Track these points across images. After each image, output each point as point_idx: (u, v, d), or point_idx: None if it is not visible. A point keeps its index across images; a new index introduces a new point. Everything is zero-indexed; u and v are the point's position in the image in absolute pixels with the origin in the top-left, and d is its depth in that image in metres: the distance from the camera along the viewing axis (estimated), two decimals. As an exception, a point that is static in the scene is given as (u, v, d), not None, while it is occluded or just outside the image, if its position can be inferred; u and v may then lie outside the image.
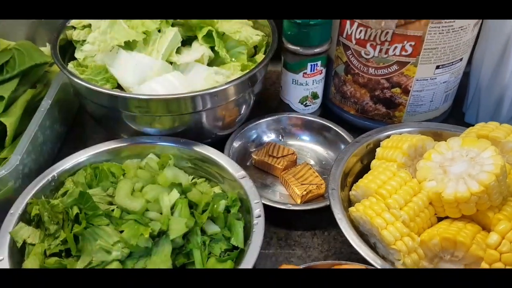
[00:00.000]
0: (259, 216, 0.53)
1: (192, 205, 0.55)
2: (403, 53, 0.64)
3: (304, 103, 0.75)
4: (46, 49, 0.78)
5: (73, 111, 0.79)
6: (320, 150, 0.73)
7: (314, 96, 0.74)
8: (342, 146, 0.70)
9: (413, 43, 0.63)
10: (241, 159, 0.70)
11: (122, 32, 0.65)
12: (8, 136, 0.62)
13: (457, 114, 0.79)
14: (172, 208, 0.53)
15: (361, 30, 0.65)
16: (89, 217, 0.49)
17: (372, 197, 0.54)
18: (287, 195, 0.67)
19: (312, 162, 0.71)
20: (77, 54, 0.68)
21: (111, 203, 0.52)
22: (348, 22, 0.66)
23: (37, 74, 0.72)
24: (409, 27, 0.62)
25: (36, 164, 0.63)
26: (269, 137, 0.74)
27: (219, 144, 0.68)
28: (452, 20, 0.61)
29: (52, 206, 0.50)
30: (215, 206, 0.54)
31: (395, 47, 0.64)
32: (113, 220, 0.50)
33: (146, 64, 0.64)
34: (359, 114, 0.74)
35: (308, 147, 0.74)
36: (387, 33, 0.63)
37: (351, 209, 0.55)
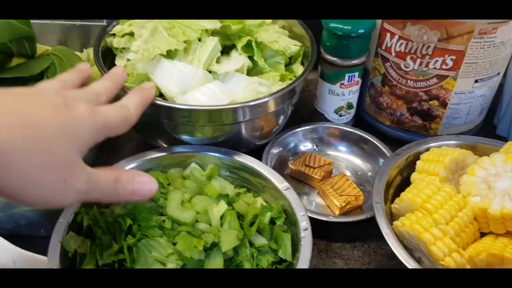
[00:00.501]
0: (306, 229, 0.53)
1: (238, 216, 0.55)
2: (444, 66, 0.65)
3: (339, 113, 0.75)
4: (82, 55, 0.78)
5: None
6: (355, 160, 0.73)
7: (349, 106, 0.75)
8: (379, 158, 0.70)
9: (454, 57, 0.64)
10: (278, 167, 0.71)
11: (163, 41, 0.65)
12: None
13: (488, 126, 0.80)
14: (221, 219, 0.53)
15: (401, 43, 0.66)
16: (142, 228, 0.49)
17: (418, 212, 0.55)
18: (324, 205, 0.67)
19: (348, 173, 0.72)
20: (118, 62, 0.69)
21: (161, 214, 0.53)
22: (388, 34, 0.67)
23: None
24: (451, 41, 0.62)
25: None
26: (305, 146, 0.75)
27: (255, 152, 0.68)
28: (494, 35, 0.62)
29: (104, 217, 0.51)
30: (262, 218, 0.54)
31: (436, 61, 0.65)
32: (166, 231, 0.50)
33: (188, 73, 0.64)
34: (394, 125, 0.74)
35: (344, 157, 0.74)
36: (428, 47, 0.64)
37: (396, 223, 0.55)
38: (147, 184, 0.45)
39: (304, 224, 0.54)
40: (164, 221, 0.51)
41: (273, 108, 0.64)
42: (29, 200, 0.36)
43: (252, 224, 0.54)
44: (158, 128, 0.65)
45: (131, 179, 0.44)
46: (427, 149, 0.64)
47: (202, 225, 0.52)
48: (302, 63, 0.72)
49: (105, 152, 0.75)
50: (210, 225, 0.52)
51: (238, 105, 0.60)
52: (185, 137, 0.65)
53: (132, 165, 0.61)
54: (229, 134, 0.64)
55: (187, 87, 0.64)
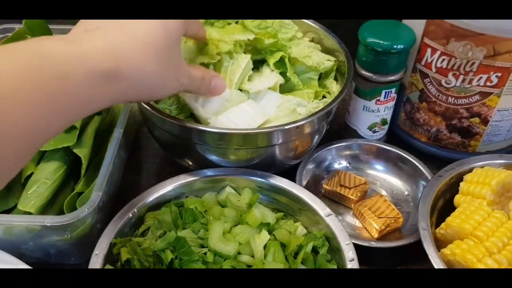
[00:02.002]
0: (352, 260, 0.51)
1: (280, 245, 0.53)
2: (488, 83, 0.62)
3: (372, 129, 0.73)
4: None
5: (133, 134, 0.77)
6: (391, 179, 0.71)
7: (384, 122, 0.72)
8: (416, 177, 0.68)
9: (499, 74, 0.61)
10: (312, 187, 0.68)
11: (193, 54, 0.63)
12: (83, 168, 0.60)
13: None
14: (263, 248, 0.51)
15: (443, 59, 0.63)
16: (184, 262, 0.47)
17: (468, 240, 0.52)
18: (361, 227, 0.65)
19: (383, 192, 0.69)
20: None
21: (202, 246, 0.50)
22: (429, 49, 0.64)
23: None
24: (497, 58, 0.60)
25: (107, 195, 0.61)
26: (339, 164, 0.72)
27: (288, 171, 0.66)
28: (542, 51, 0.59)
29: (143, 249, 0.48)
30: (305, 247, 0.52)
31: (480, 78, 0.62)
32: (208, 265, 0.48)
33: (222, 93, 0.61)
34: (430, 142, 0.72)
35: (378, 175, 0.72)
36: (473, 63, 0.61)
37: (445, 251, 0.52)
38: (220, 83, 0.57)
39: (350, 254, 0.51)
40: (205, 253, 0.49)
41: (309, 129, 0.61)
42: (153, 98, 0.48)
43: (296, 254, 0.51)
44: (188, 149, 0.63)
45: (211, 79, 0.56)
46: (470, 170, 0.62)
47: (245, 258, 0.50)
48: (335, 78, 0.69)
49: (131, 172, 0.73)
50: (253, 256, 0.50)
51: (274, 129, 0.58)
52: (216, 159, 0.62)
53: (168, 190, 0.58)
54: (263, 156, 0.62)
55: (220, 108, 0.61)
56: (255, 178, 0.60)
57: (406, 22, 0.67)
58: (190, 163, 0.66)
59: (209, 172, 0.61)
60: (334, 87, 0.67)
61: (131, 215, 0.54)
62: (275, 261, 0.49)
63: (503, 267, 0.49)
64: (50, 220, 0.52)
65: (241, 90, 0.64)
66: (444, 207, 0.60)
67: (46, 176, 0.59)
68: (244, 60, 0.63)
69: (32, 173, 0.60)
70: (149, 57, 0.42)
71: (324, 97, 0.67)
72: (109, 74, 0.39)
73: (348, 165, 0.73)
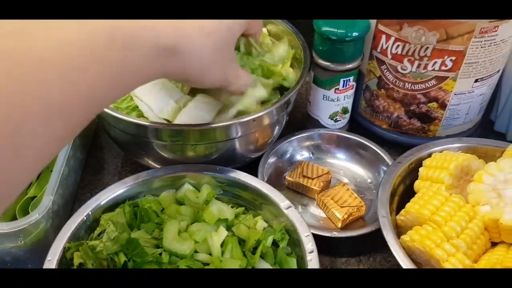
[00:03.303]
0: (312, 252, 0.50)
1: (239, 241, 0.52)
2: (443, 68, 0.62)
3: (334, 118, 0.72)
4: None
5: (91, 135, 0.75)
6: (354, 167, 0.71)
7: (345, 111, 0.72)
8: (378, 164, 0.68)
9: (454, 58, 0.61)
10: (275, 179, 0.68)
11: None
12: (34, 171, 0.58)
13: (485, 122, 0.78)
14: (221, 246, 0.50)
15: (398, 45, 0.63)
16: (138, 265, 0.46)
17: (427, 225, 0.52)
18: (325, 217, 0.64)
19: (346, 180, 0.69)
20: None
21: (157, 246, 0.49)
22: (383, 36, 0.64)
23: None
24: (451, 42, 0.59)
25: (62, 199, 0.59)
26: (302, 155, 0.72)
27: (250, 165, 0.66)
28: (495, 33, 0.59)
29: (96, 253, 0.47)
30: (264, 242, 0.51)
31: (435, 62, 0.62)
32: (163, 266, 0.47)
33: (171, 95, 0.60)
34: (391, 128, 0.72)
35: (341, 164, 0.71)
36: (427, 48, 0.61)
37: (405, 238, 0.52)
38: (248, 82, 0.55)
39: (309, 246, 0.51)
40: (160, 254, 0.48)
41: (268, 121, 0.61)
42: (197, 83, 0.48)
43: (254, 249, 0.51)
44: (145, 148, 0.61)
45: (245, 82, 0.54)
46: (429, 154, 0.62)
47: (202, 256, 0.49)
48: (291, 66, 0.68)
49: (90, 173, 0.71)
50: (211, 254, 0.49)
51: (231, 122, 0.57)
52: (175, 156, 0.61)
53: (123, 189, 0.57)
54: (223, 150, 0.61)
55: (165, 108, 0.60)
56: (214, 174, 0.59)
57: (360, 9, 0.67)
58: (150, 162, 0.65)
59: (166, 170, 0.60)
60: (290, 74, 0.66)
61: (85, 217, 0.53)
62: (232, 258, 0.49)
63: (461, 251, 0.50)
64: (0, 226, 0.50)
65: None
66: (404, 193, 0.60)
67: None
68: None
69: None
70: (208, 43, 0.43)
71: (281, 86, 0.65)
72: (170, 49, 0.40)
73: (311, 155, 0.72)
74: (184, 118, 0.57)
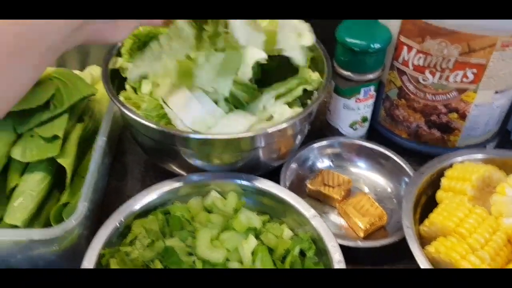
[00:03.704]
0: (340, 261, 0.52)
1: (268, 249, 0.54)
2: (464, 80, 0.63)
3: (353, 127, 0.74)
4: (84, 75, 0.75)
5: (116, 140, 0.77)
6: (374, 176, 0.72)
7: (364, 120, 0.73)
8: (399, 173, 0.69)
9: (475, 71, 0.62)
10: (297, 187, 0.69)
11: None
12: (67, 178, 0.60)
13: (502, 132, 0.79)
14: (251, 254, 0.52)
15: (420, 57, 0.64)
16: (173, 272, 0.47)
17: (451, 237, 0.53)
18: (347, 227, 0.66)
19: (366, 189, 0.70)
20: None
21: (190, 254, 0.51)
22: (405, 47, 0.65)
23: (82, 106, 0.70)
24: (472, 55, 0.61)
25: (93, 204, 0.61)
26: (322, 163, 0.73)
27: (272, 173, 0.67)
28: (516, 47, 0.60)
29: (132, 260, 0.49)
30: (293, 251, 0.53)
31: (456, 74, 0.63)
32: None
33: (209, 110, 0.62)
34: (411, 138, 0.73)
35: (362, 173, 0.73)
36: (449, 60, 0.62)
37: (430, 249, 0.54)
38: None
39: (337, 256, 0.52)
40: (194, 261, 0.49)
41: (291, 131, 0.62)
42: None
43: (283, 258, 0.52)
44: (171, 154, 0.63)
45: None
46: (451, 165, 0.63)
47: (234, 264, 0.50)
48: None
49: (115, 178, 0.73)
50: (242, 262, 0.51)
51: (256, 133, 0.58)
52: (200, 163, 0.63)
53: (154, 197, 0.59)
54: (247, 159, 0.62)
55: (207, 123, 0.61)
56: (240, 181, 0.61)
57: (381, 21, 0.68)
58: (174, 167, 0.67)
59: (194, 177, 0.61)
60: (313, 76, 0.67)
61: (118, 224, 0.55)
62: (263, 267, 0.50)
63: (486, 263, 0.51)
64: (37, 234, 0.52)
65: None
66: (427, 204, 0.62)
67: (31, 188, 0.59)
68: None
69: (16, 185, 0.59)
70: None
71: (305, 90, 0.66)
72: None
73: (331, 163, 0.74)
74: (217, 130, 0.59)
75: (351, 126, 0.73)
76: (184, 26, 0.54)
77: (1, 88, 0.38)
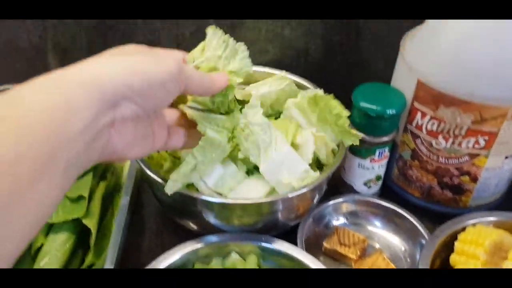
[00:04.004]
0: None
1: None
2: (476, 146, 0.66)
3: (367, 185, 0.76)
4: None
5: (135, 194, 0.79)
6: (388, 235, 0.73)
7: (378, 178, 0.75)
8: (412, 233, 0.71)
9: (486, 138, 0.64)
10: (314, 245, 0.70)
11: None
12: (92, 239, 0.61)
13: (510, 193, 0.80)
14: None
15: (433, 123, 0.66)
16: None
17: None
18: (362, 285, 0.67)
19: (378, 246, 0.72)
20: None
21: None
22: (419, 113, 0.67)
23: (104, 163, 0.72)
24: (484, 123, 0.63)
25: (116, 263, 0.62)
26: (338, 220, 0.75)
27: (288, 231, 0.69)
28: (526, 116, 0.63)
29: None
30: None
31: (469, 141, 0.65)
32: None
33: (229, 173, 0.64)
34: (423, 197, 0.75)
35: (376, 231, 0.74)
36: (461, 128, 0.64)
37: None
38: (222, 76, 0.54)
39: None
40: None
41: (310, 195, 0.64)
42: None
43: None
44: (192, 214, 0.65)
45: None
46: (463, 228, 0.65)
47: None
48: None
49: (134, 233, 0.74)
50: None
51: (276, 199, 0.60)
52: (220, 224, 0.65)
53: (175, 259, 0.60)
54: (266, 221, 0.64)
55: (229, 185, 0.63)
56: (259, 243, 0.63)
57: (396, 86, 0.71)
58: (193, 225, 0.68)
59: (214, 238, 0.63)
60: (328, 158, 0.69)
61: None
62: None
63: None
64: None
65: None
66: (441, 267, 0.63)
67: (57, 248, 0.61)
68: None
69: (42, 245, 0.61)
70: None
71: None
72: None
73: (346, 220, 0.75)
74: (237, 195, 0.61)
75: (366, 184, 0.75)
76: (214, 134, 0.57)
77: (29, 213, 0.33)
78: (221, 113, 0.59)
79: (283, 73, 0.76)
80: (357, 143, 0.66)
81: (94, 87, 0.37)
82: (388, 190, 0.80)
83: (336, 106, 0.66)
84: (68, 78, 0.37)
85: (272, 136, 0.61)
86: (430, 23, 0.67)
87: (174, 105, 0.58)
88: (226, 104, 0.58)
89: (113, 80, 0.38)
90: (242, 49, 0.57)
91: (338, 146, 0.68)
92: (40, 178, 0.32)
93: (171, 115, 0.57)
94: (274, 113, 0.74)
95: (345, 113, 0.66)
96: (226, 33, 0.56)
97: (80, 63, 0.39)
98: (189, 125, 0.58)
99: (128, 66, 0.40)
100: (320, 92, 0.69)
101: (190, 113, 0.57)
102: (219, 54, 0.56)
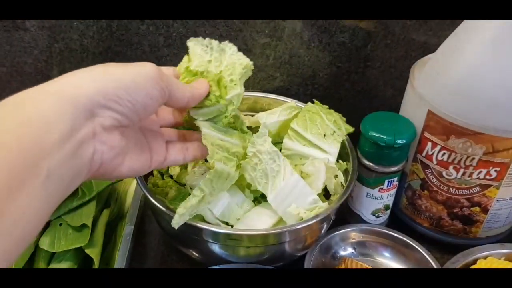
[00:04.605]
0: None
1: None
2: (487, 177, 0.65)
3: (376, 215, 0.74)
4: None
5: (139, 221, 0.78)
6: (396, 266, 0.72)
7: (387, 207, 0.74)
8: (422, 265, 0.69)
9: (498, 169, 0.63)
10: (319, 278, 0.69)
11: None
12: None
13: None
14: None
15: (444, 153, 0.65)
16: None
17: None
18: (371, 318, 0.65)
19: (389, 279, 0.70)
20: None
21: None
22: (429, 143, 0.67)
23: (108, 190, 0.71)
24: (496, 155, 0.62)
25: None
26: (345, 250, 0.73)
27: (296, 261, 0.67)
28: (539, 147, 0.62)
29: None
30: None
31: (480, 172, 0.64)
32: None
33: (237, 203, 0.63)
34: (433, 228, 0.73)
35: (384, 262, 0.73)
36: (473, 158, 0.63)
37: None
38: (203, 84, 0.53)
39: None
40: None
41: (318, 225, 0.63)
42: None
43: None
44: (196, 244, 0.64)
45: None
46: (474, 260, 0.64)
47: None
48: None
49: (137, 262, 0.73)
50: None
51: (284, 230, 0.59)
52: (225, 254, 0.63)
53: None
54: (273, 251, 0.63)
55: (236, 215, 0.63)
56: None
57: (405, 115, 0.70)
58: (197, 255, 0.67)
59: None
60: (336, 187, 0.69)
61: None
62: None
63: None
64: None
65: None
66: (451, 300, 0.62)
67: (58, 278, 0.59)
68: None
69: (43, 275, 0.60)
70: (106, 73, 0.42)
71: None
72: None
73: (353, 250, 0.74)
74: (243, 225, 0.60)
75: (374, 213, 0.74)
76: (223, 167, 0.56)
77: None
78: (233, 128, 0.59)
79: (292, 102, 0.75)
80: (351, 130, 0.69)
81: (65, 99, 0.37)
82: (396, 219, 0.78)
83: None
84: (42, 92, 0.37)
85: (281, 165, 0.60)
86: (440, 52, 0.67)
87: (190, 124, 0.57)
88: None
89: (85, 89, 0.39)
90: (229, 46, 0.56)
91: (345, 174, 0.67)
92: (19, 189, 0.32)
93: (169, 131, 0.57)
94: (280, 140, 0.73)
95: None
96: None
97: (57, 77, 0.40)
98: (189, 138, 0.57)
99: (101, 74, 0.41)
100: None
101: (205, 132, 0.55)
102: (208, 58, 0.55)
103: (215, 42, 0.55)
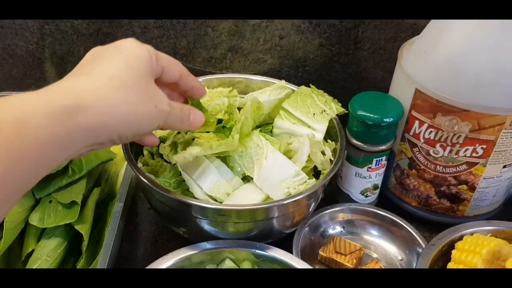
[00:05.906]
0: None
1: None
2: (474, 154, 0.65)
3: (364, 194, 0.75)
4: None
5: (130, 201, 0.78)
6: (384, 244, 0.73)
7: (375, 187, 0.75)
8: (409, 242, 0.70)
9: (484, 146, 0.64)
10: (309, 253, 0.70)
11: None
12: (84, 245, 0.60)
13: (509, 201, 0.80)
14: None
15: (431, 131, 0.66)
16: None
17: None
18: (358, 294, 0.66)
19: (375, 256, 0.71)
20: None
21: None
22: (417, 122, 0.67)
23: (99, 169, 0.71)
24: (482, 132, 0.63)
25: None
26: (334, 229, 0.74)
27: (284, 239, 0.68)
28: (524, 125, 0.63)
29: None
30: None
31: (466, 149, 0.65)
32: None
33: (227, 179, 0.64)
34: (421, 206, 0.74)
35: (372, 240, 0.74)
36: (459, 136, 0.64)
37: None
38: (198, 117, 0.54)
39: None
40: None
41: (306, 201, 0.64)
42: (132, 130, 0.44)
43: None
44: (186, 221, 0.64)
45: (189, 110, 0.53)
46: (461, 237, 0.64)
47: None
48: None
49: (128, 241, 0.73)
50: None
51: (272, 204, 0.60)
52: (215, 231, 0.64)
53: (168, 264, 0.59)
54: (261, 228, 0.63)
55: (226, 190, 0.63)
56: (253, 250, 0.62)
57: (394, 95, 0.71)
58: (187, 233, 0.68)
59: (208, 245, 0.62)
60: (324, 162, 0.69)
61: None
62: None
63: None
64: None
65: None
66: (437, 275, 0.62)
67: (48, 254, 0.60)
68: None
69: (33, 250, 0.60)
70: (112, 86, 0.41)
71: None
72: (71, 108, 0.37)
73: (342, 229, 0.75)
74: (232, 202, 0.60)
75: (362, 193, 0.75)
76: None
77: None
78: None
79: (282, 82, 0.76)
80: (342, 111, 0.70)
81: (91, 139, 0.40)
82: (385, 199, 0.79)
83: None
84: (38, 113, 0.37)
85: (263, 147, 0.62)
86: (427, 32, 0.67)
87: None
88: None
89: (108, 130, 0.41)
90: None
91: (334, 154, 0.68)
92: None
93: None
94: (271, 121, 0.73)
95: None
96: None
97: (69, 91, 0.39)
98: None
99: (122, 117, 0.42)
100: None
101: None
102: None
103: None
